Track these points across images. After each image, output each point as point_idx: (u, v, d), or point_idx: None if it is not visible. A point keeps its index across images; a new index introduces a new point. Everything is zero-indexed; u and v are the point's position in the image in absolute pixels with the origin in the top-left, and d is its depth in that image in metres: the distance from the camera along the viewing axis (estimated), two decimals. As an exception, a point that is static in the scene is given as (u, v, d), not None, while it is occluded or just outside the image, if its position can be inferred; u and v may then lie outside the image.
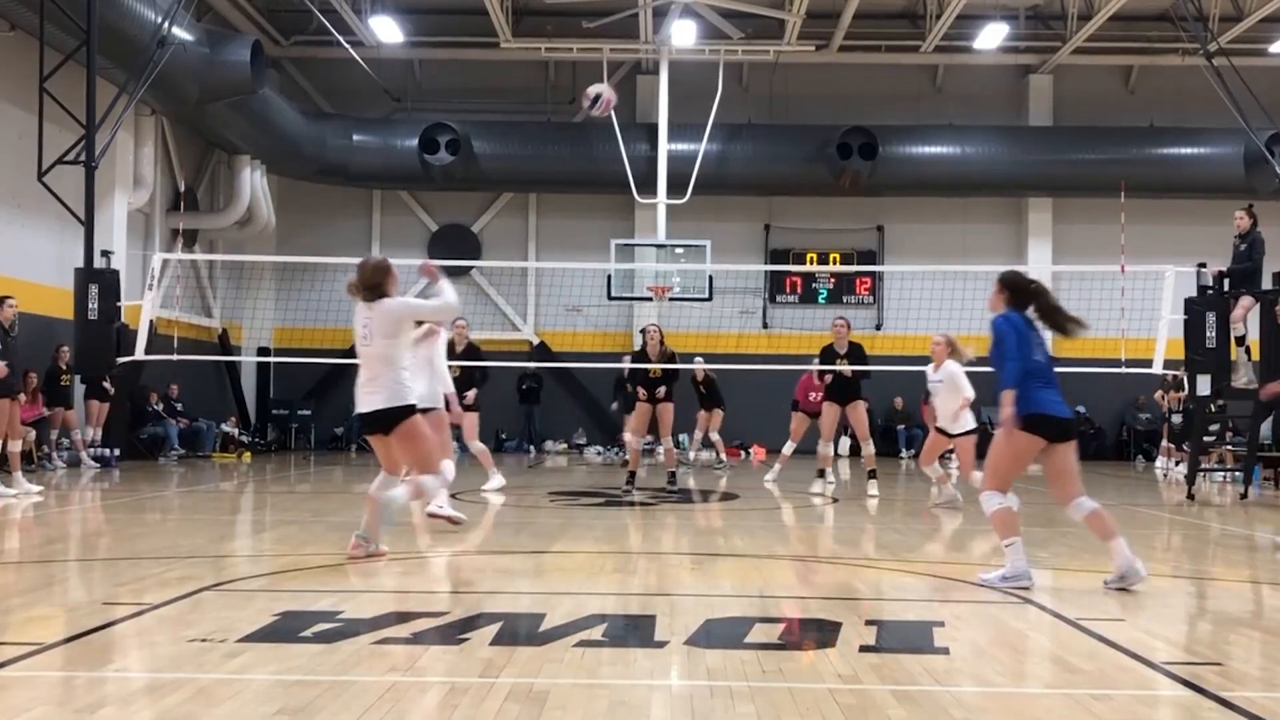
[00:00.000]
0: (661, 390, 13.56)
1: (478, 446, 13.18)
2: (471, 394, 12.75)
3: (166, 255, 18.80)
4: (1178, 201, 24.11)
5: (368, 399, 7.41)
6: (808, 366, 16.20)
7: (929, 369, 12.14)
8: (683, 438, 20.91)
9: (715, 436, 19.05)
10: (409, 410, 7.42)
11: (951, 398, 11.75)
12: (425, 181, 24.14)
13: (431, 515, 9.09)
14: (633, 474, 13.85)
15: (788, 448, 15.98)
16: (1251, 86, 19.37)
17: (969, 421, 11.88)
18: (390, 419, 7.40)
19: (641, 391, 13.63)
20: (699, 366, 18.20)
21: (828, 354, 13.31)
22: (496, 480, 13.23)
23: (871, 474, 13.34)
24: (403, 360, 7.47)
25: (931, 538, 9.87)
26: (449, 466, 9.07)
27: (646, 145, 23.19)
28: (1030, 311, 6.94)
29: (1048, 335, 7.17)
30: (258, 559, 7.80)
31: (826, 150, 23.22)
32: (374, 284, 7.38)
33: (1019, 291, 6.93)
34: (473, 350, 13.03)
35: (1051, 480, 6.92)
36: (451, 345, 12.49)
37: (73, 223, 16.28)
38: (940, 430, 12.06)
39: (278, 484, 14.72)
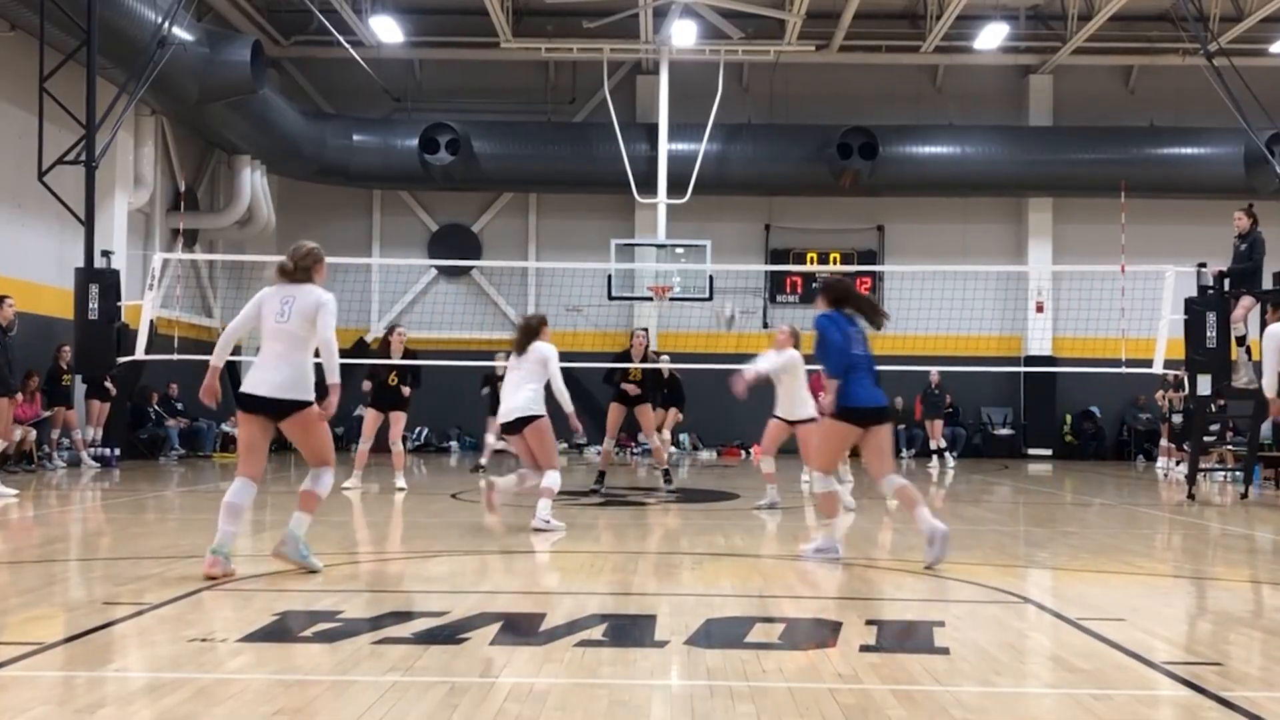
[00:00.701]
0: (638, 391, 14.01)
1: (398, 448, 13.83)
2: (406, 390, 13.72)
3: (166, 255, 18.81)
4: (1178, 201, 24.11)
5: (268, 378, 6.94)
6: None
7: (771, 354, 11.50)
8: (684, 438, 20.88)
9: (665, 435, 19.10)
10: (309, 404, 7.04)
11: (791, 381, 11.29)
12: (425, 181, 24.15)
13: (536, 529, 9.30)
14: (602, 474, 13.90)
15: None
16: (1251, 86, 19.37)
17: (809, 408, 11.17)
18: (291, 407, 6.97)
19: (629, 389, 13.95)
20: (665, 365, 18.29)
21: None
22: (356, 479, 13.67)
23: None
24: (310, 349, 7.08)
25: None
26: (556, 477, 9.60)
27: (646, 145, 23.19)
28: (848, 310, 7.98)
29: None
30: (258, 559, 7.79)
31: (826, 150, 23.23)
32: (305, 266, 7.16)
33: (835, 292, 8.03)
34: (409, 354, 13.97)
35: (867, 459, 7.95)
36: (387, 347, 13.66)
37: (73, 223, 16.28)
38: (778, 418, 11.46)
39: (278, 484, 14.71)
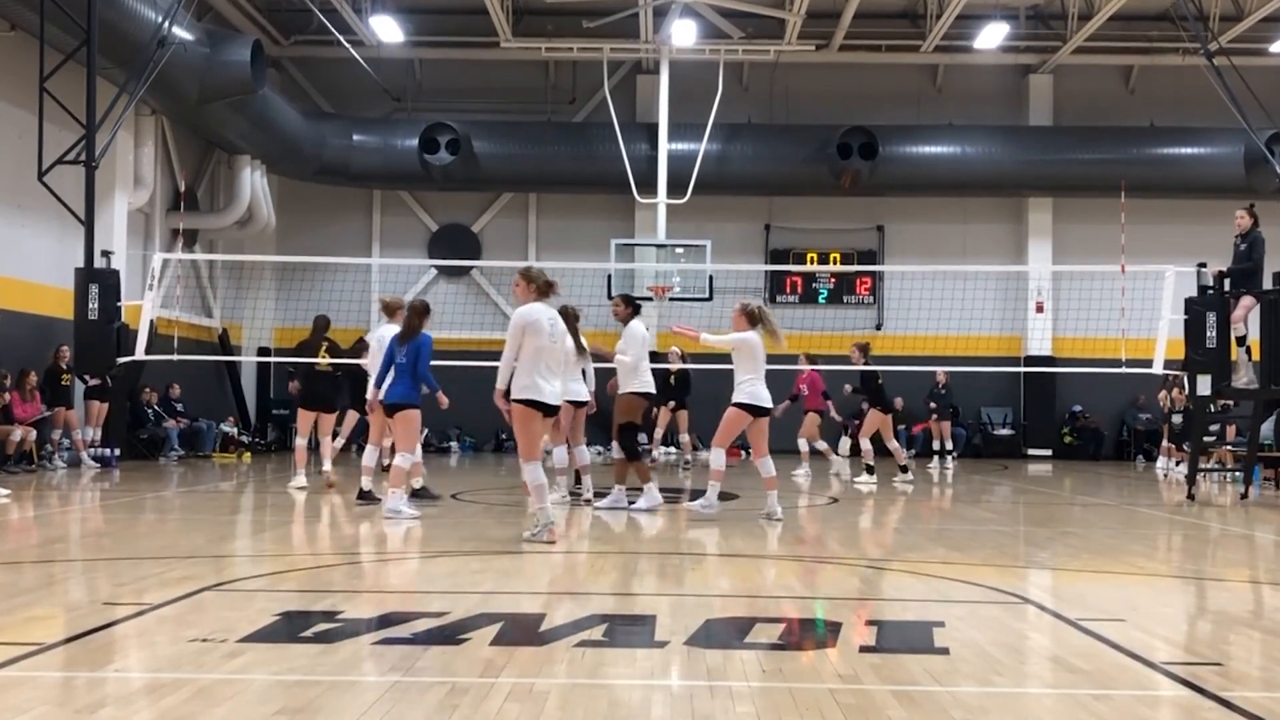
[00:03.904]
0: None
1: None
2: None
3: (166, 255, 18.79)
4: (1178, 201, 24.09)
5: (557, 389, 8.89)
6: (813, 367, 16.55)
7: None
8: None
9: (685, 437, 19.01)
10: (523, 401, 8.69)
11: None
12: (425, 181, 24.14)
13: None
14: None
15: (823, 445, 17.30)
16: (1251, 86, 19.34)
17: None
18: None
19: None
20: (675, 366, 18.24)
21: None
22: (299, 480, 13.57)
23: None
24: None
25: (932, 538, 9.87)
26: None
27: (646, 145, 23.19)
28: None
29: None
30: (258, 559, 7.80)
31: (826, 150, 23.22)
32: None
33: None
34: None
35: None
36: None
37: (73, 223, 16.27)
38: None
39: (278, 484, 14.71)
